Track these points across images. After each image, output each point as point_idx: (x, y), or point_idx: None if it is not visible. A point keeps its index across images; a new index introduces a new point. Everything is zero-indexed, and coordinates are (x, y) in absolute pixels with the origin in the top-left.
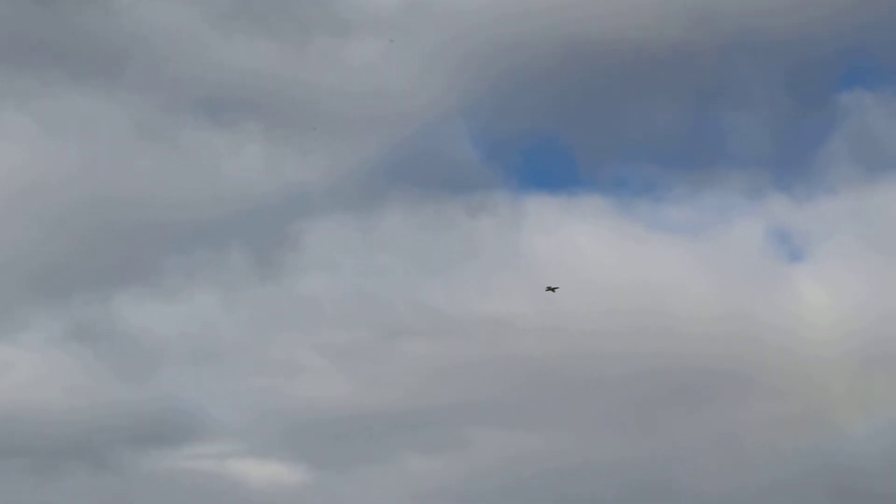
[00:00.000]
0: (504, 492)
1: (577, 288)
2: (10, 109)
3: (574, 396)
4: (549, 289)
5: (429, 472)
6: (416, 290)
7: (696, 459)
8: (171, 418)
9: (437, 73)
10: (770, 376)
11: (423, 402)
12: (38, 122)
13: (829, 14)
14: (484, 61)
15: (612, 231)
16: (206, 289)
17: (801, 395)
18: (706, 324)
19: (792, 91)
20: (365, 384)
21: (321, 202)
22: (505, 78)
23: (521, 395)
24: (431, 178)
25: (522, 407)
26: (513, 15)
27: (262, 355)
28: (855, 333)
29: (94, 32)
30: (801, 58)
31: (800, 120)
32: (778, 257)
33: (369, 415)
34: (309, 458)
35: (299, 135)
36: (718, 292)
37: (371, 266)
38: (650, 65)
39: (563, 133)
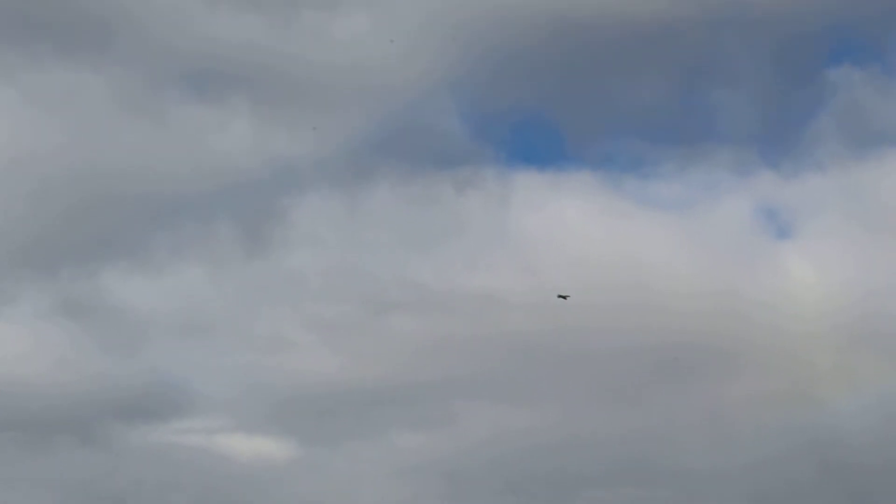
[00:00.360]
0: (491, 466)
1: (563, 263)
2: None
3: (561, 372)
4: (561, 297)
5: (416, 447)
6: (404, 266)
7: (682, 435)
8: (159, 392)
9: (426, 49)
10: (757, 352)
11: (410, 377)
12: (24, 95)
13: None
14: (472, 37)
15: (599, 207)
16: (194, 263)
17: (787, 371)
18: (693, 300)
19: (780, 68)
20: (352, 359)
21: (308, 177)
22: (493, 53)
23: (508, 370)
24: (419, 153)
25: (509, 382)
26: None
27: (249, 330)
28: (841, 310)
29: (81, 6)
30: (789, 34)
31: (788, 96)
32: (765, 233)
33: (356, 390)
34: (296, 432)
35: (286, 109)
36: (706, 268)
37: (358, 241)
38: (639, 41)
39: (551, 109)
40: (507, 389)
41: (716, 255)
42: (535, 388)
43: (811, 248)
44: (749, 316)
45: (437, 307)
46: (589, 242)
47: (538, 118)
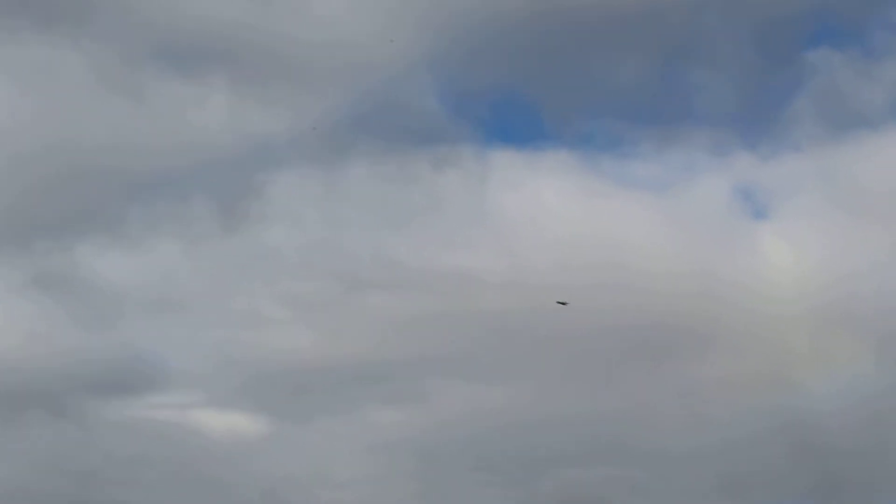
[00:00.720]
0: (465, 445)
1: (540, 243)
2: None
3: (536, 351)
4: (560, 303)
5: (390, 425)
6: (380, 243)
7: (657, 416)
8: (133, 367)
9: (404, 25)
10: (732, 334)
11: (385, 354)
12: (0, 69)
13: None
14: (451, 13)
15: (577, 186)
16: (169, 239)
17: (762, 353)
18: (670, 280)
19: (759, 49)
20: (327, 336)
21: (285, 153)
22: (472, 30)
23: (484, 348)
24: (396, 131)
25: (484, 361)
26: None
27: (224, 306)
28: (817, 292)
29: None
30: (768, 16)
31: (766, 78)
32: (743, 215)
33: (331, 366)
34: (270, 409)
35: (264, 86)
36: (682, 249)
37: (335, 218)
38: (618, 20)
39: (529, 87)
40: (481, 368)
41: (693, 236)
42: (509, 367)
43: (788, 229)
44: (725, 297)
45: (412, 285)
46: (566, 222)
47: (516, 97)
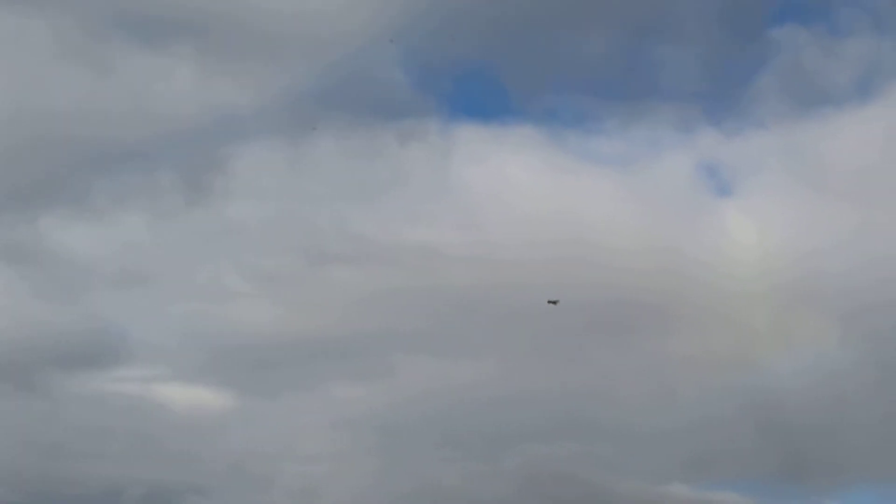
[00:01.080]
0: (429, 420)
1: (505, 218)
2: None
3: (501, 326)
4: (551, 302)
5: (354, 400)
6: (345, 217)
7: (621, 392)
8: (97, 340)
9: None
10: (697, 310)
11: (349, 329)
12: None
13: None
14: None
15: (542, 162)
16: (134, 211)
17: (726, 330)
18: (634, 256)
19: (724, 25)
20: (292, 310)
21: (251, 126)
22: (438, 5)
23: (448, 324)
24: (362, 104)
25: (449, 336)
26: None
27: (188, 279)
28: (781, 269)
29: None
30: None
31: (731, 54)
32: (707, 191)
33: (296, 341)
34: (234, 383)
35: (230, 57)
36: (647, 225)
37: (299, 192)
38: None
39: (495, 62)
40: (446, 343)
41: (657, 212)
42: (474, 343)
43: (752, 205)
44: (689, 274)
45: (377, 259)
46: (531, 197)
47: (482, 71)
